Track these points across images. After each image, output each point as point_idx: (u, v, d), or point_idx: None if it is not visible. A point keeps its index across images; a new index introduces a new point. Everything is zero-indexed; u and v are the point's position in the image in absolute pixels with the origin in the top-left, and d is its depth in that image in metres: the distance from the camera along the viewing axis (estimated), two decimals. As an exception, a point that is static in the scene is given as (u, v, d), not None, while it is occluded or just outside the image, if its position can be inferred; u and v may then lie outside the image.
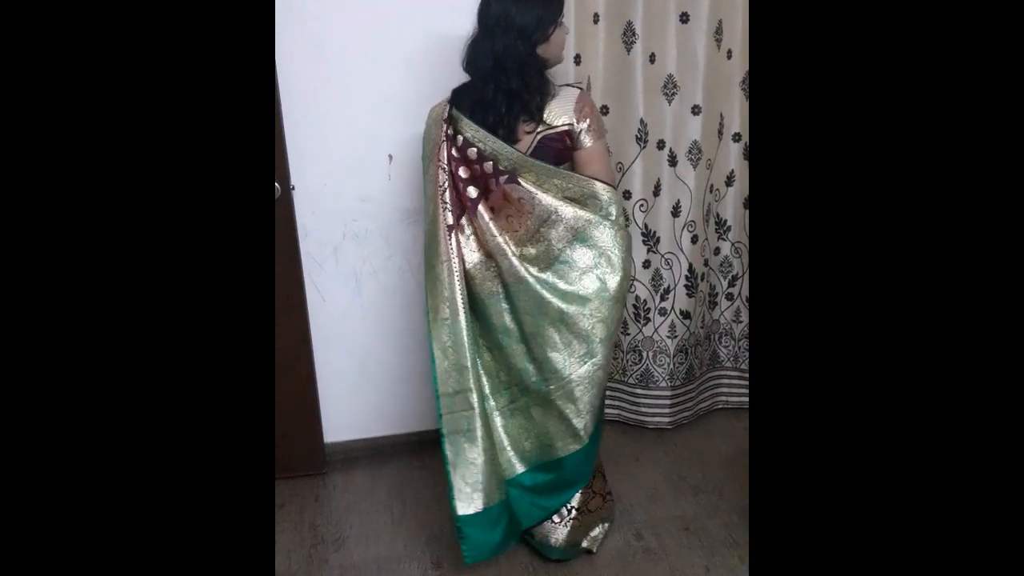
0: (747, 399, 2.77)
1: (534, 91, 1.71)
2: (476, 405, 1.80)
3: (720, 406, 2.81)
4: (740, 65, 2.42)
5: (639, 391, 2.64)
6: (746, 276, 2.65)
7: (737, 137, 2.50)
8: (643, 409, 2.65)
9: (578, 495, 2.00)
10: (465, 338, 1.78)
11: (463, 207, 1.79)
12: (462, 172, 1.77)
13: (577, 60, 2.28)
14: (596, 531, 2.05)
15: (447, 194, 1.77)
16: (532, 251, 1.78)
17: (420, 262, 2.31)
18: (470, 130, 1.74)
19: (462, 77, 1.81)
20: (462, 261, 1.78)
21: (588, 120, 1.74)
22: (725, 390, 2.80)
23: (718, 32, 2.35)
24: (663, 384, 2.61)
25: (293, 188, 2.20)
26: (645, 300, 2.56)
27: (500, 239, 1.76)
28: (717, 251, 2.63)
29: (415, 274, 2.39)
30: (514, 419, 1.91)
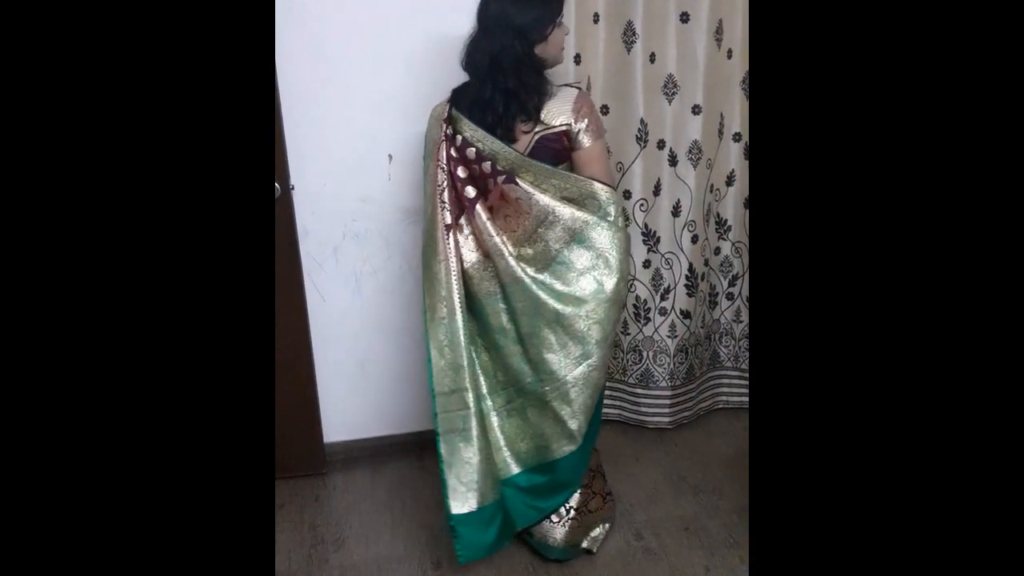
0: (747, 399, 2.76)
1: (531, 91, 1.71)
2: (472, 404, 1.80)
3: (720, 406, 2.81)
4: (740, 65, 2.42)
5: (639, 391, 2.64)
6: (746, 276, 2.65)
7: (737, 137, 2.50)
8: (643, 409, 2.65)
9: (577, 495, 2.00)
10: (461, 337, 1.78)
11: (462, 207, 1.79)
12: (460, 172, 1.77)
13: (577, 60, 2.28)
14: (596, 531, 2.05)
15: (445, 193, 1.77)
16: (530, 251, 1.77)
17: (420, 262, 2.31)
18: (469, 130, 1.74)
19: (462, 77, 1.81)
20: (460, 260, 1.78)
21: (586, 120, 1.73)
22: (725, 390, 2.80)
23: (718, 32, 2.35)
24: (663, 384, 2.61)
25: (293, 188, 2.20)
26: (645, 300, 2.56)
27: (497, 239, 1.76)
28: (717, 251, 2.63)
29: (415, 274, 2.39)
30: (511, 420, 1.91)
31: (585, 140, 1.74)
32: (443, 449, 1.81)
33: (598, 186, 1.74)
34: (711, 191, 2.52)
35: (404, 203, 2.33)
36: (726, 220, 2.59)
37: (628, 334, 2.60)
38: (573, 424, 1.85)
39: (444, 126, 1.78)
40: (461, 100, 1.79)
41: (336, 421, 2.47)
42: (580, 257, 1.76)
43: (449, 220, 1.77)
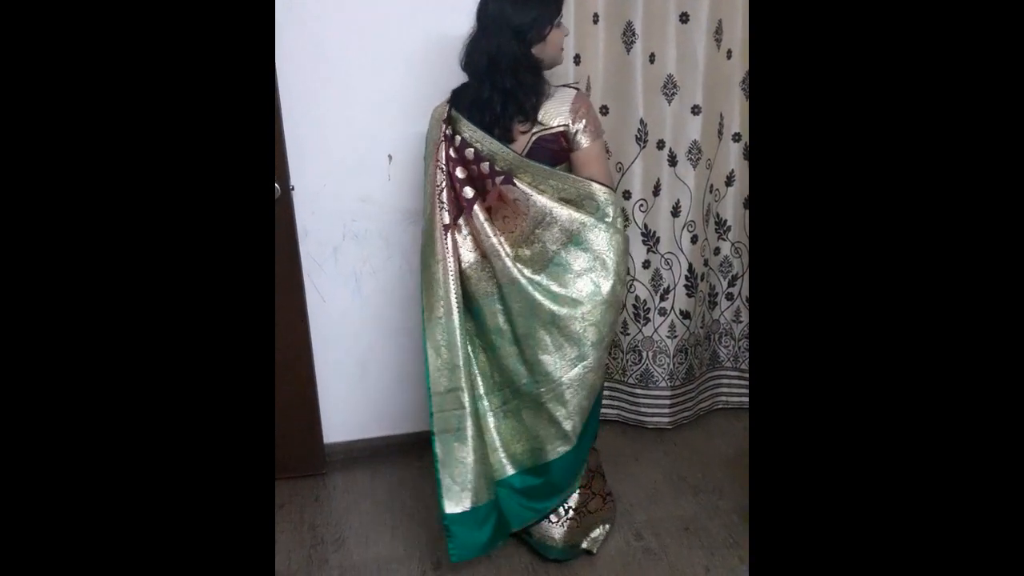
0: (747, 399, 2.77)
1: (528, 91, 1.71)
2: (467, 404, 1.80)
3: (720, 406, 2.81)
4: (740, 65, 2.42)
5: (639, 391, 2.64)
6: (746, 276, 2.65)
7: (737, 137, 2.50)
8: (643, 409, 2.65)
9: (576, 495, 2.00)
10: (458, 337, 1.78)
11: (460, 207, 1.79)
12: (459, 172, 1.77)
13: (577, 60, 2.28)
14: (596, 532, 2.05)
15: (444, 194, 1.77)
16: (527, 252, 1.77)
17: (420, 263, 2.31)
18: (468, 130, 1.74)
19: (462, 77, 1.81)
20: (458, 261, 1.78)
21: (584, 121, 1.73)
22: (725, 390, 2.80)
23: (718, 32, 2.35)
24: (663, 384, 2.61)
25: (293, 188, 2.20)
26: (645, 300, 2.56)
27: (495, 240, 1.76)
28: (717, 251, 2.63)
29: (415, 274, 2.39)
30: (507, 421, 1.91)
31: (583, 141, 1.74)
32: (438, 448, 1.81)
33: (596, 187, 1.74)
34: (711, 191, 2.53)
35: (404, 203, 2.33)
36: (726, 220, 2.59)
37: (628, 334, 2.61)
38: (568, 425, 1.84)
39: (444, 126, 1.78)
40: (461, 101, 1.79)
41: (336, 421, 2.47)
42: (577, 259, 1.76)
43: (447, 220, 1.77)
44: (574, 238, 1.74)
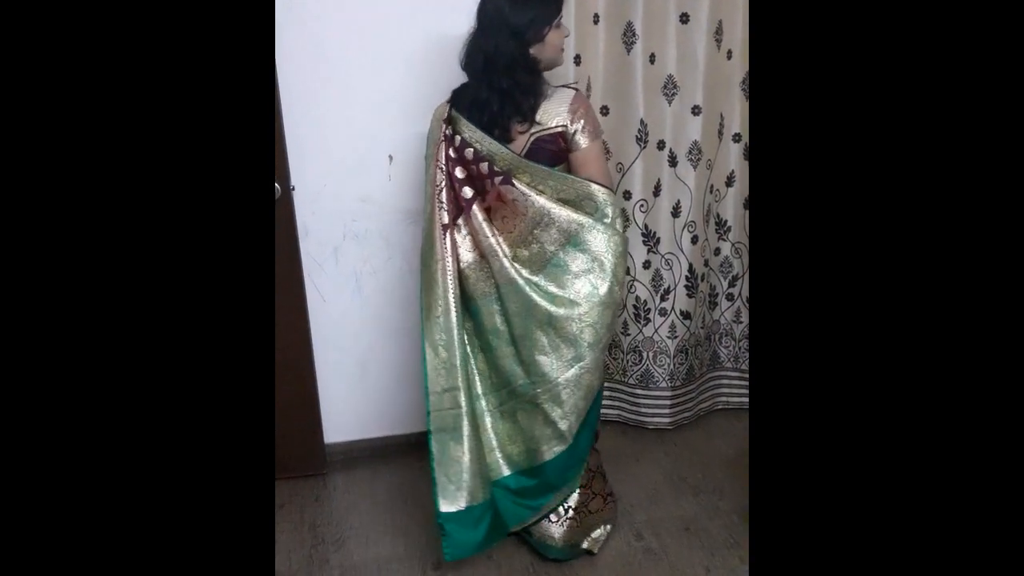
0: (747, 400, 2.76)
1: (526, 91, 1.70)
2: (463, 404, 1.80)
3: (720, 406, 2.81)
4: (740, 65, 2.42)
5: (639, 391, 2.64)
6: (746, 276, 2.65)
7: (737, 137, 2.50)
8: (643, 409, 2.65)
9: (576, 495, 2.00)
10: (456, 337, 1.78)
11: (459, 207, 1.79)
12: (459, 172, 1.77)
13: (577, 60, 2.28)
14: (597, 532, 2.05)
15: (443, 194, 1.77)
16: (525, 253, 1.77)
17: (420, 262, 2.31)
18: (468, 130, 1.74)
19: (462, 77, 1.81)
20: (457, 260, 1.79)
21: (583, 121, 1.73)
22: (725, 390, 2.80)
23: (718, 32, 2.35)
24: (663, 384, 2.61)
25: (293, 188, 2.20)
26: (645, 300, 2.56)
27: (493, 240, 1.76)
28: (717, 251, 2.63)
29: (415, 275, 2.38)
30: (503, 422, 1.91)
31: (582, 141, 1.74)
32: (434, 447, 1.82)
33: (595, 187, 1.74)
34: (711, 192, 2.52)
35: (404, 203, 2.33)
36: (726, 221, 2.59)
37: (628, 335, 2.61)
38: (563, 424, 1.84)
39: (444, 126, 1.78)
40: (461, 100, 1.79)
41: (336, 421, 2.47)
42: (575, 260, 1.76)
43: (447, 220, 1.77)
44: (572, 239, 1.74)
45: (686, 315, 2.56)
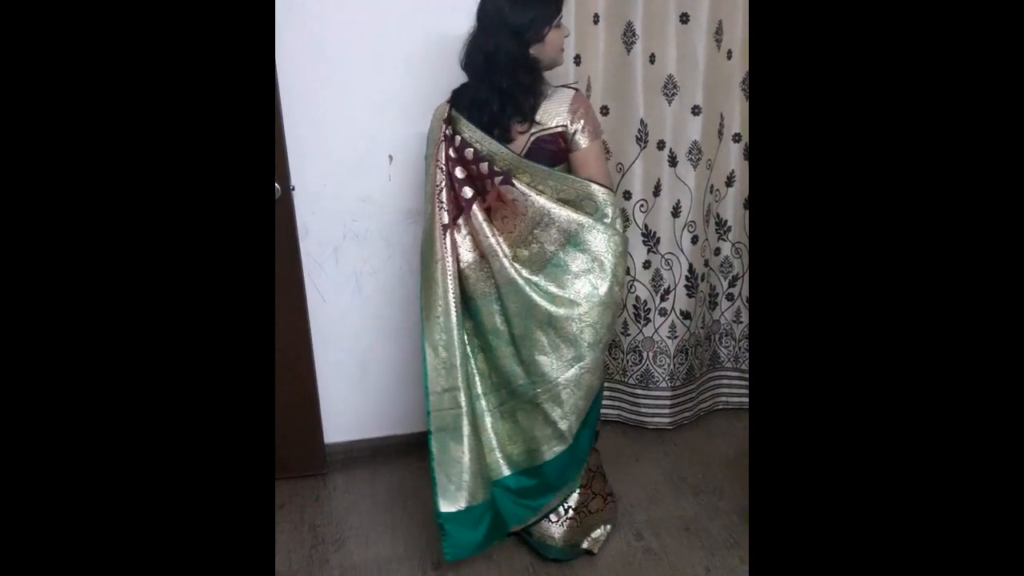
0: (747, 400, 2.76)
1: (526, 91, 1.70)
2: (463, 404, 1.80)
3: (720, 406, 2.81)
4: (740, 65, 2.42)
5: (639, 391, 2.64)
6: (746, 276, 2.65)
7: (737, 137, 2.50)
8: (643, 409, 2.65)
9: (576, 495, 2.00)
10: (456, 337, 1.78)
11: (459, 207, 1.79)
12: (459, 172, 1.77)
13: (577, 60, 2.28)
14: (597, 532, 2.05)
15: (444, 194, 1.77)
16: (525, 253, 1.77)
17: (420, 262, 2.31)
18: (468, 130, 1.74)
19: (462, 77, 1.81)
20: (457, 260, 1.79)
21: (583, 121, 1.73)
22: (725, 390, 2.80)
23: (718, 32, 2.35)
24: (663, 384, 2.61)
25: (293, 188, 2.20)
26: (645, 300, 2.56)
27: (493, 240, 1.76)
28: (717, 251, 2.63)
29: (415, 275, 2.38)
30: (503, 422, 1.91)
31: (582, 141, 1.74)
32: (434, 447, 1.82)
33: (595, 187, 1.73)
34: (711, 192, 2.52)
35: (404, 203, 2.33)
36: (726, 221, 2.59)
37: (628, 335, 2.61)
38: (563, 424, 1.84)
39: (444, 126, 1.78)
40: (461, 100, 1.79)
41: (336, 421, 2.47)
42: (575, 260, 1.76)
43: (447, 220, 1.77)
44: (572, 239, 1.74)
45: (686, 315, 2.56)
